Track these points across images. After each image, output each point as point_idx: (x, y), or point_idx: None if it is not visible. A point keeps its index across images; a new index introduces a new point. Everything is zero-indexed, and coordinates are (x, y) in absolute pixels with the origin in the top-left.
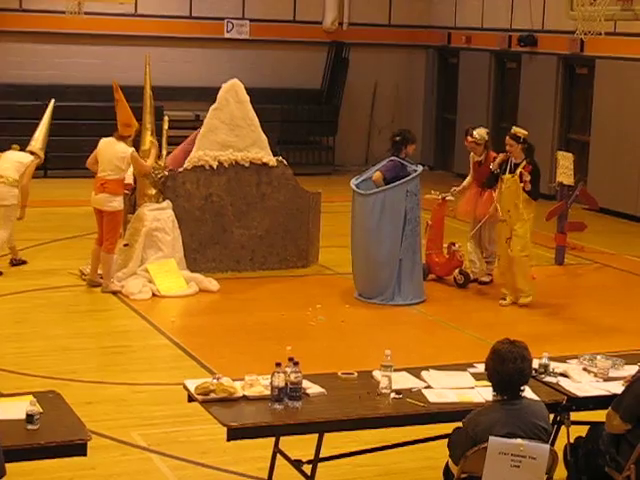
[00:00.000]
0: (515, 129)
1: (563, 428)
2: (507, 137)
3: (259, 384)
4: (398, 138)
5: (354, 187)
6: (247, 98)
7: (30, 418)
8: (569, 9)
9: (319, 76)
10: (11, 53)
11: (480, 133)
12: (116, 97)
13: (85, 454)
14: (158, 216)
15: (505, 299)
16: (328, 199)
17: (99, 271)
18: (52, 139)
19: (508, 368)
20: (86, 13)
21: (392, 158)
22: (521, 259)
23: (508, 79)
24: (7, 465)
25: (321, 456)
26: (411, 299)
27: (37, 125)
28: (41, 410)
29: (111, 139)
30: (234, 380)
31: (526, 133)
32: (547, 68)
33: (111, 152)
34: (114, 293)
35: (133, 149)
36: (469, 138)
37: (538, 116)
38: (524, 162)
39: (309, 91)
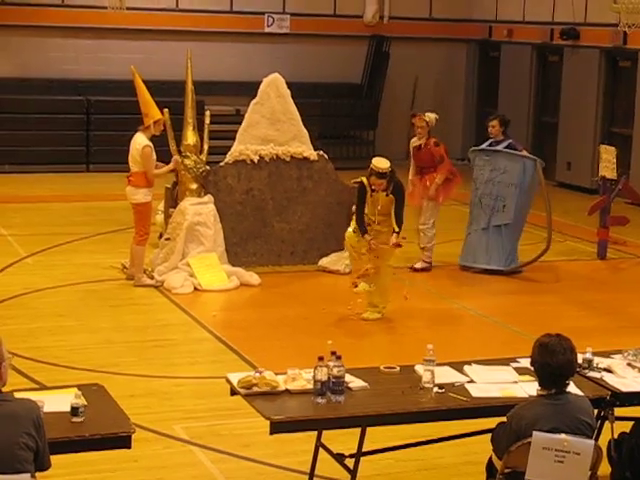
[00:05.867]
0: (377, 165)
1: (607, 424)
2: (373, 176)
3: (301, 378)
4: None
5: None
6: (288, 92)
7: (75, 411)
8: (612, 2)
9: (360, 70)
10: (53, 48)
11: (431, 117)
12: (135, 84)
13: (129, 447)
14: (200, 210)
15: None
16: None
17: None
18: (94, 134)
19: (559, 360)
20: (128, 8)
21: (511, 140)
22: (386, 269)
23: (550, 72)
24: (52, 457)
25: (363, 450)
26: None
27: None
28: (85, 403)
29: (138, 132)
30: (276, 374)
31: (388, 165)
32: (589, 61)
33: (133, 144)
34: (145, 287)
35: (147, 144)
36: (417, 121)
37: (580, 110)
38: (387, 192)
39: (349, 85)
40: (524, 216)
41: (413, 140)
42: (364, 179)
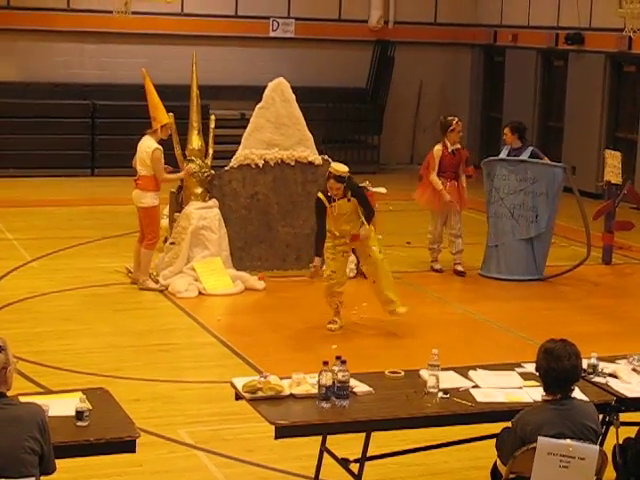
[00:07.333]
0: (335, 168)
1: (612, 429)
2: (331, 180)
3: (306, 383)
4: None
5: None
6: (293, 97)
7: (80, 415)
8: (617, 7)
9: (364, 75)
10: (58, 52)
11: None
12: (145, 87)
13: (134, 451)
14: (204, 215)
15: (335, 323)
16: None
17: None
18: (99, 138)
19: (564, 365)
20: (133, 13)
21: (532, 147)
22: (382, 263)
23: (555, 77)
24: (56, 461)
25: (368, 455)
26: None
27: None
28: (90, 407)
29: (146, 135)
30: (281, 378)
31: (347, 170)
32: (594, 66)
33: (141, 148)
34: (149, 290)
35: (157, 147)
36: (459, 125)
37: (585, 115)
38: (347, 198)
39: (354, 90)
40: (553, 225)
41: (439, 147)
42: (320, 194)
